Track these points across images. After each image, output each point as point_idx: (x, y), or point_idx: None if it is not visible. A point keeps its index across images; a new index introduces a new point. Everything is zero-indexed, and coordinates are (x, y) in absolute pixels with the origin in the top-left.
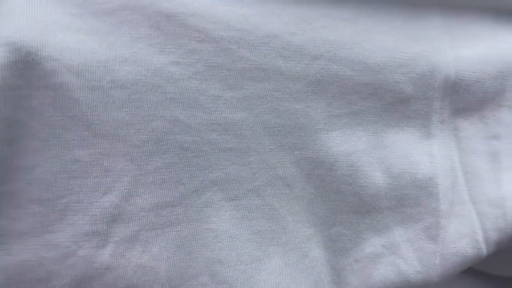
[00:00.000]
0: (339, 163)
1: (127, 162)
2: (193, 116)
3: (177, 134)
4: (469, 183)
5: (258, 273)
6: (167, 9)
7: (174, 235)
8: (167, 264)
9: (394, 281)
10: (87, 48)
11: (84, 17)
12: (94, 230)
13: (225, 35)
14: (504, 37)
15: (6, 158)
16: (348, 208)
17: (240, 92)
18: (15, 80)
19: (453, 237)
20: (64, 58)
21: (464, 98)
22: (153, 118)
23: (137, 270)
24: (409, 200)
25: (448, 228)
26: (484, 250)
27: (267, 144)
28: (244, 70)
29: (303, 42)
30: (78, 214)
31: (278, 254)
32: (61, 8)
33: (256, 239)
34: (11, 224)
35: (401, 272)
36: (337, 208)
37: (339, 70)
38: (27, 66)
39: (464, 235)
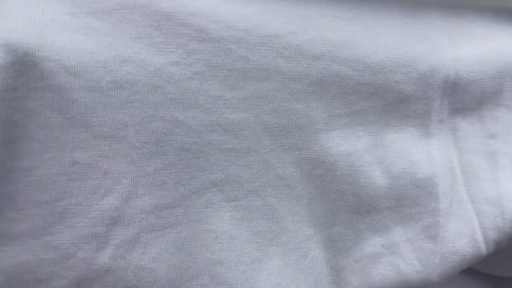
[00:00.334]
0: (339, 163)
1: (126, 164)
2: (193, 116)
3: (177, 135)
4: (467, 182)
5: (258, 273)
6: (167, 8)
7: (174, 237)
8: (167, 265)
9: (394, 281)
10: (86, 48)
11: (82, 16)
12: (93, 232)
13: (226, 35)
14: (502, 37)
15: (4, 160)
16: (348, 208)
17: (241, 92)
18: (12, 81)
19: (452, 236)
20: (62, 58)
21: (462, 98)
22: (153, 119)
23: (137, 271)
24: (408, 200)
25: (447, 227)
26: (483, 249)
27: (267, 144)
28: (244, 70)
29: (304, 42)
30: (77, 217)
31: (278, 254)
32: (59, 8)
33: (256, 240)
34: (10, 226)
35: (401, 271)
36: (337, 208)
37: (340, 70)
38: (25, 67)
39: (463, 234)
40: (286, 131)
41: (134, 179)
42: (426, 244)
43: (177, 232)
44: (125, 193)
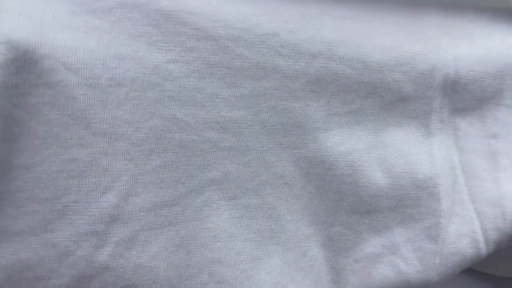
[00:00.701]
0: (339, 162)
1: (125, 161)
2: (191, 114)
3: (176, 132)
4: (468, 182)
5: (258, 272)
6: (166, 7)
7: (173, 235)
8: (166, 263)
9: (394, 281)
10: (85, 46)
11: (82, 15)
12: (93, 230)
13: (224, 33)
14: (502, 36)
15: (4, 156)
16: (347, 208)
17: (239, 90)
18: (13, 78)
19: (453, 237)
20: (62, 56)
21: (463, 97)
22: (151, 116)
23: (136, 270)
24: (409, 200)
25: (448, 228)
26: (483, 249)
27: (266, 142)
28: (242, 68)
29: (302, 40)
30: (77, 214)
31: (277, 253)
32: (60, 6)
33: (255, 238)
34: (10, 223)
35: (401, 272)
36: (337, 208)
37: (338, 68)
38: (25, 64)
39: (464, 235)
40: (285, 130)
41: (133, 177)
42: (427, 244)
43: (176, 230)
44: (124, 191)
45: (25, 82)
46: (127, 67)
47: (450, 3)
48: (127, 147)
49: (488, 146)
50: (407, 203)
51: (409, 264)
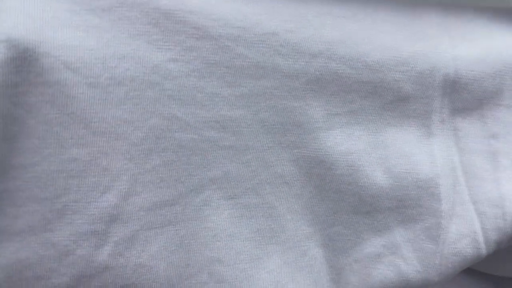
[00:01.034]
0: (339, 162)
1: (125, 161)
2: (191, 113)
3: (175, 131)
4: (469, 183)
5: (257, 271)
6: (166, 6)
7: (173, 234)
8: (166, 263)
9: (394, 281)
10: (85, 45)
11: (82, 13)
12: (92, 229)
13: (224, 33)
14: (502, 36)
15: (4, 155)
16: (348, 208)
17: (238, 89)
18: (12, 77)
19: (453, 237)
20: (62, 55)
21: (463, 97)
22: (151, 116)
23: (136, 269)
24: (410, 201)
25: (449, 228)
26: (483, 250)
27: (266, 142)
28: (242, 67)
29: (302, 40)
30: (76, 214)
31: (277, 252)
32: (59, 5)
33: (255, 238)
34: (10, 222)
35: (401, 272)
36: (337, 208)
37: (338, 68)
38: (25, 63)
39: (465, 235)
40: (284, 129)
41: (133, 176)
42: (427, 245)
43: (176, 230)
44: (124, 190)
45: (24, 81)
46: (127, 66)
47: (450, 3)
48: (127, 147)
49: (489, 146)
50: (408, 203)
51: (409, 264)
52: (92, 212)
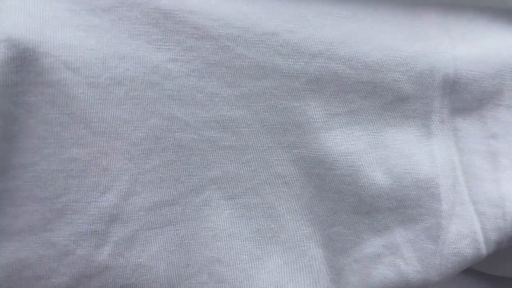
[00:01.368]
0: (339, 162)
1: (125, 161)
2: (191, 113)
3: (175, 131)
4: (469, 183)
5: (257, 271)
6: (166, 6)
7: (173, 234)
8: (166, 263)
9: (394, 281)
10: (85, 45)
11: (82, 13)
12: (92, 229)
13: (223, 33)
14: (502, 36)
15: (4, 155)
16: (348, 208)
17: (238, 89)
18: (12, 76)
19: (453, 237)
20: (62, 54)
21: (463, 97)
22: (151, 116)
23: (136, 269)
24: (410, 201)
25: (449, 229)
26: (484, 250)
27: (266, 142)
28: (242, 67)
29: (302, 40)
30: (76, 213)
31: (277, 252)
32: (60, 5)
33: (255, 238)
34: (10, 222)
35: (401, 272)
36: (337, 208)
37: (337, 68)
38: (25, 63)
39: (465, 236)
40: (284, 129)
41: (132, 176)
42: (427, 245)
43: (176, 230)
44: (124, 190)
45: (24, 81)
46: (127, 66)
47: (450, 3)
48: (127, 147)
49: (488, 146)
50: (408, 203)
51: (409, 264)
52: (92, 212)
